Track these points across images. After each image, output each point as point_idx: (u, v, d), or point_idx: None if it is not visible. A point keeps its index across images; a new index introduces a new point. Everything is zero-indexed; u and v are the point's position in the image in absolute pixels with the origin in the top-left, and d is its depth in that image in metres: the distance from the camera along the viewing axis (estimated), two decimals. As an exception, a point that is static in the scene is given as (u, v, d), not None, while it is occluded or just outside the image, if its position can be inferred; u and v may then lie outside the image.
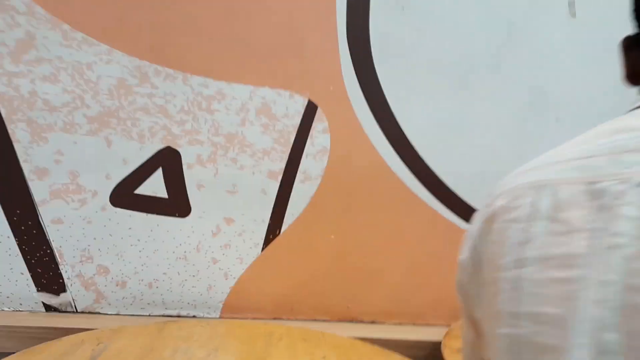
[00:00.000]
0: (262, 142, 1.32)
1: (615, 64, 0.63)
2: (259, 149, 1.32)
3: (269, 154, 1.33)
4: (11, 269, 1.34)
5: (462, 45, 1.29)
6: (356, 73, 1.30)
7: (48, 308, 1.38)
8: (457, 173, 1.38)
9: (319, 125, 1.32)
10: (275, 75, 1.27)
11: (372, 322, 1.47)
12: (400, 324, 1.48)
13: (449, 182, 1.38)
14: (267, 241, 1.39)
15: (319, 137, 1.33)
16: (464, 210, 1.39)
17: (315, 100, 1.30)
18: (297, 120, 1.31)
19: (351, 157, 1.35)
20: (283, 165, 1.34)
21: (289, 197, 1.37)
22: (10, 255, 1.33)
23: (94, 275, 1.37)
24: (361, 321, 1.47)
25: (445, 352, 1.22)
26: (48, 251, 1.34)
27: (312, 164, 1.35)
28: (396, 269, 1.44)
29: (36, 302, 1.37)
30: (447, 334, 1.32)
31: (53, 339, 1.11)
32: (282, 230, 1.39)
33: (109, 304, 1.40)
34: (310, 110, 1.31)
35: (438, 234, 1.41)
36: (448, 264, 1.42)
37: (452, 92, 1.31)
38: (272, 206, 1.37)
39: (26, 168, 1.27)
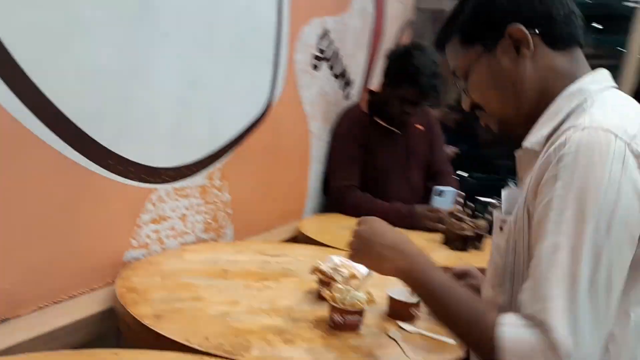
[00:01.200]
0: None
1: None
2: None
3: None
4: None
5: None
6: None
7: None
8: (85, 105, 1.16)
9: None
10: None
11: (4, 320, 1.08)
12: (40, 309, 1.16)
13: (78, 120, 1.15)
14: None
15: None
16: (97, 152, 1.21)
17: None
18: None
19: None
20: None
21: None
22: None
23: None
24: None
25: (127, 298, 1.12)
26: None
27: None
28: (19, 237, 1.09)
29: None
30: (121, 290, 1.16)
31: None
32: None
33: None
34: None
35: (67, 183, 1.16)
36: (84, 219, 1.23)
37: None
38: None
39: None
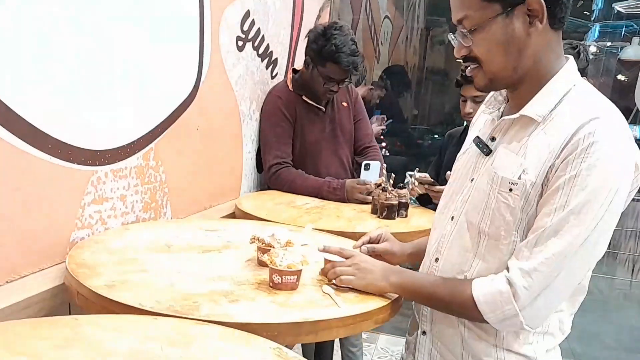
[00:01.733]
0: None
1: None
2: None
3: None
4: None
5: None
6: None
7: None
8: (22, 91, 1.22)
9: None
10: None
11: None
12: None
13: (16, 105, 1.21)
14: None
15: None
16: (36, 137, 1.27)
17: None
18: None
19: None
20: None
21: None
22: None
23: None
24: None
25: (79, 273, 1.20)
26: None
27: None
28: None
29: None
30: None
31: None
32: None
33: None
34: None
35: (9, 168, 1.23)
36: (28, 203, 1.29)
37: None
38: None
39: None
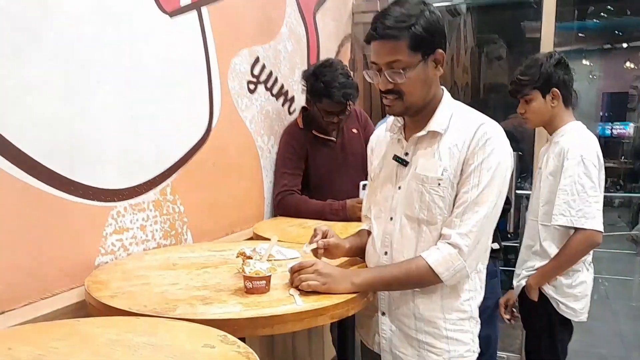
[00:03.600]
0: None
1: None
2: None
3: None
4: None
5: None
6: None
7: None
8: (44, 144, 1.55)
9: None
10: None
11: (2, 313, 1.45)
12: (29, 303, 1.52)
13: (39, 156, 1.53)
14: None
15: None
16: (58, 182, 1.59)
17: None
18: None
19: None
20: None
21: None
22: None
23: None
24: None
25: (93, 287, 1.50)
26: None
27: None
28: (8, 253, 1.47)
29: None
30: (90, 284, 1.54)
31: None
32: None
33: None
34: None
35: (36, 208, 1.53)
36: (56, 235, 1.60)
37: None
38: None
39: None
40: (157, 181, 1.99)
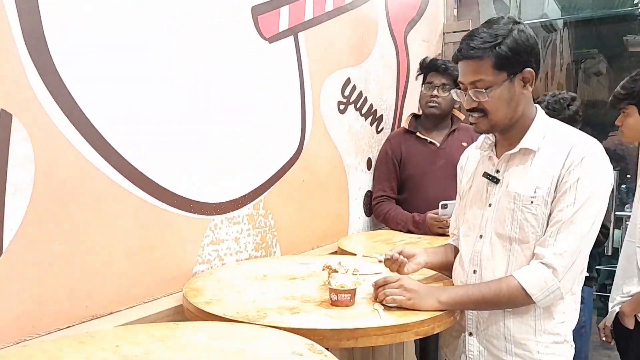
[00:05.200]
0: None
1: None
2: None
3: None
4: None
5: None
6: (41, 77, 1.36)
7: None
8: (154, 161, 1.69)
9: (17, 134, 1.32)
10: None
11: (110, 314, 1.59)
12: (133, 306, 1.67)
13: (150, 173, 1.69)
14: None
15: (21, 147, 1.33)
16: (165, 196, 1.74)
17: (8, 109, 1.30)
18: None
19: (57, 162, 1.42)
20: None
21: (2, 212, 1.31)
22: None
23: None
24: (100, 316, 1.57)
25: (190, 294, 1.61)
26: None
27: (19, 175, 1.33)
28: (120, 260, 1.62)
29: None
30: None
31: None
32: (4, 249, 1.32)
33: None
34: (5, 120, 1.30)
35: (146, 220, 1.69)
36: (161, 244, 1.74)
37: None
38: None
39: None
40: (251, 197, 2.11)
